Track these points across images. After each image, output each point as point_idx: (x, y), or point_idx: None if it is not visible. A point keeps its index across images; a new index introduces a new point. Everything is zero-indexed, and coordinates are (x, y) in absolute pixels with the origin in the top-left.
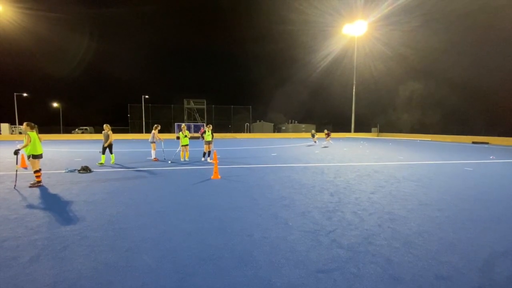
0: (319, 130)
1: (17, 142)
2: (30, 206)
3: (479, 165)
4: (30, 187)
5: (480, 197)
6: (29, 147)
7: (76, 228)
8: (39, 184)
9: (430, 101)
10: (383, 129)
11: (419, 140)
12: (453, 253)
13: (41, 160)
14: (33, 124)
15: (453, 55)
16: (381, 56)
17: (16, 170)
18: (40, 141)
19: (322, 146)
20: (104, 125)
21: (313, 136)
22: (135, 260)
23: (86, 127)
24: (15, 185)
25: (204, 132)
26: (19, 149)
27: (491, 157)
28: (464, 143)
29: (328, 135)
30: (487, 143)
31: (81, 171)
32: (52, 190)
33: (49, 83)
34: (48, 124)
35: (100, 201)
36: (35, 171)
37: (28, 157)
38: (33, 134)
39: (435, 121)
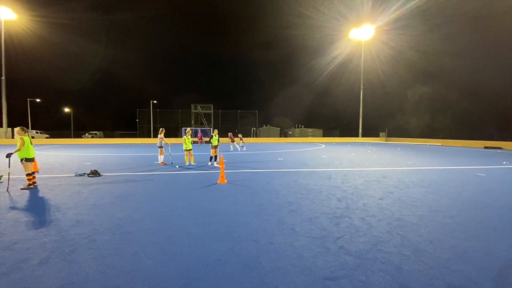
0: (327, 135)
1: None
2: (40, 209)
3: (491, 170)
4: (22, 189)
5: (493, 204)
6: (22, 151)
7: (84, 231)
8: (30, 186)
9: (439, 105)
10: (391, 134)
11: (429, 145)
12: (465, 262)
13: (51, 163)
14: (26, 128)
15: (463, 59)
16: (388, 60)
17: (9, 173)
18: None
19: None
20: None
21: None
22: (142, 264)
23: (96, 132)
24: (8, 188)
25: (204, 136)
26: (11, 153)
27: (504, 162)
28: (475, 148)
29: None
30: (499, 148)
31: (90, 175)
32: (61, 193)
33: (60, 88)
34: (59, 129)
35: (108, 204)
36: (27, 174)
37: (21, 160)
38: (27, 138)
39: (445, 126)
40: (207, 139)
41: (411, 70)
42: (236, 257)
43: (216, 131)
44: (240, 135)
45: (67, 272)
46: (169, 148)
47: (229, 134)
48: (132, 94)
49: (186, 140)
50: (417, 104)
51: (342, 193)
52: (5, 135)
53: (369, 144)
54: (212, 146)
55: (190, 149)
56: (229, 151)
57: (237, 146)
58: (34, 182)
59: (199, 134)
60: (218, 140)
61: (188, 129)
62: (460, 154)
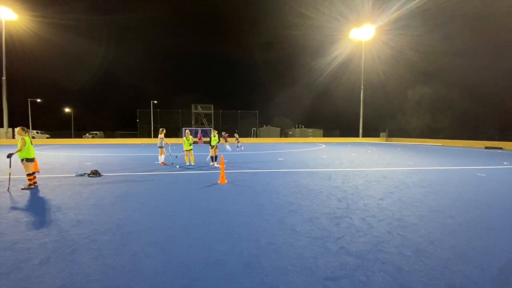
0: (327, 135)
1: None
2: (41, 209)
3: (492, 171)
4: (22, 189)
5: (493, 204)
6: (23, 151)
7: (85, 231)
8: (31, 186)
9: (440, 105)
10: (392, 134)
11: (429, 145)
12: (465, 262)
13: (52, 163)
14: (26, 128)
15: (463, 59)
16: (389, 60)
17: (10, 173)
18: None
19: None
20: None
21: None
22: (142, 264)
23: (96, 132)
24: (8, 188)
25: (204, 136)
26: (12, 153)
27: (505, 162)
28: (476, 148)
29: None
30: (500, 148)
31: (90, 175)
32: (62, 194)
33: (61, 88)
34: (60, 129)
35: (109, 204)
36: (28, 174)
37: (22, 160)
38: (27, 138)
39: (446, 126)
40: (207, 139)
41: (412, 70)
42: (237, 257)
43: (215, 132)
44: (236, 135)
45: (67, 272)
46: (169, 148)
47: (222, 134)
48: (132, 94)
49: (185, 141)
50: (418, 104)
51: (342, 193)
52: (6, 135)
53: (369, 144)
54: (210, 146)
55: (190, 149)
56: (228, 151)
57: (229, 146)
58: (35, 182)
59: (199, 134)
60: (219, 140)
61: (187, 130)
62: (461, 154)
